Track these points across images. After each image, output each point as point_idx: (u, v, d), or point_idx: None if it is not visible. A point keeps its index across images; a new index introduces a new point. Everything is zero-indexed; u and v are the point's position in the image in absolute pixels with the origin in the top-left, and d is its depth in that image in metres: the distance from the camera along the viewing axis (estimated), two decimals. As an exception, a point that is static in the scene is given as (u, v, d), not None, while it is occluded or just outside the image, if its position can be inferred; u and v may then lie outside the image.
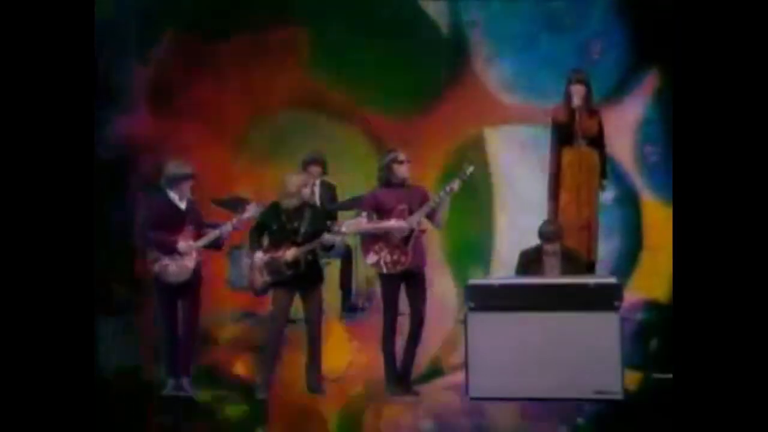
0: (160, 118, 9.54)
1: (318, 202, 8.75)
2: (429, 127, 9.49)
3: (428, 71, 9.58)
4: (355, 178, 9.07)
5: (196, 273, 7.78)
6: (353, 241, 8.49)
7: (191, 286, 7.80)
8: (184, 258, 7.65)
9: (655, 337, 7.37)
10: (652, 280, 8.61)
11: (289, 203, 7.55)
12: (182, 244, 7.65)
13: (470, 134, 9.51)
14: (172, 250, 7.64)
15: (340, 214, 8.84)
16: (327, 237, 7.43)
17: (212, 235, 7.74)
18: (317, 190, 8.90)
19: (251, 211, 7.70)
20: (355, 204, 8.31)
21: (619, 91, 8.93)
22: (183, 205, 7.78)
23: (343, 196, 9.07)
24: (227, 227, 7.77)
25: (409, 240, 7.35)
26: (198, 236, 7.78)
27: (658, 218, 8.85)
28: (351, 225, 7.39)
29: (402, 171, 7.44)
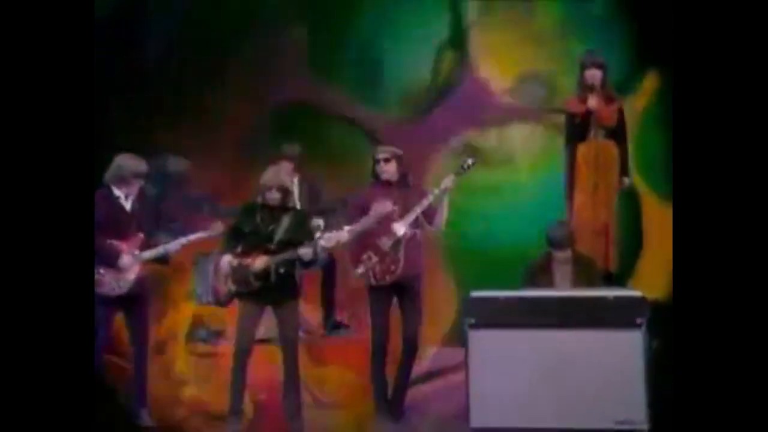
0: (160, 118, 9.49)
1: (298, 202, 8.36)
2: (429, 127, 9.51)
3: (428, 70, 9.64)
4: (354, 179, 8.82)
5: (140, 287, 7.23)
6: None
7: (136, 303, 7.25)
8: (124, 270, 7.13)
9: (656, 338, 6.99)
10: (652, 280, 8.34)
11: (271, 197, 7.07)
12: (124, 259, 7.10)
13: (470, 134, 9.52)
14: (112, 262, 7.10)
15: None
16: (304, 251, 6.95)
17: (158, 249, 7.26)
18: (295, 189, 8.51)
19: (213, 230, 7.34)
20: (341, 205, 8.02)
21: (619, 90, 8.66)
22: (128, 206, 7.23)
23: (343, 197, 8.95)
24: (175, 244, 7.30)
25: (399, 246, 7.02)
26: (146, 243, 7.26)
27: (658, 217, 8.73)
28: (331, 238, 7.00)
29: (387, 169, 7.16)
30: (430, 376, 7.90)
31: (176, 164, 9.47)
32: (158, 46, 9.62)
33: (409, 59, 9.52)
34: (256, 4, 9.66)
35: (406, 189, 7.15)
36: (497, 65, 9.44)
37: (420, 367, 7.56)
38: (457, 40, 9.58)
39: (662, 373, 6.68)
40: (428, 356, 8.03)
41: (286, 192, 7.12)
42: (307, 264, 7.12)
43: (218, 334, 8.52)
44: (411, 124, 9.45)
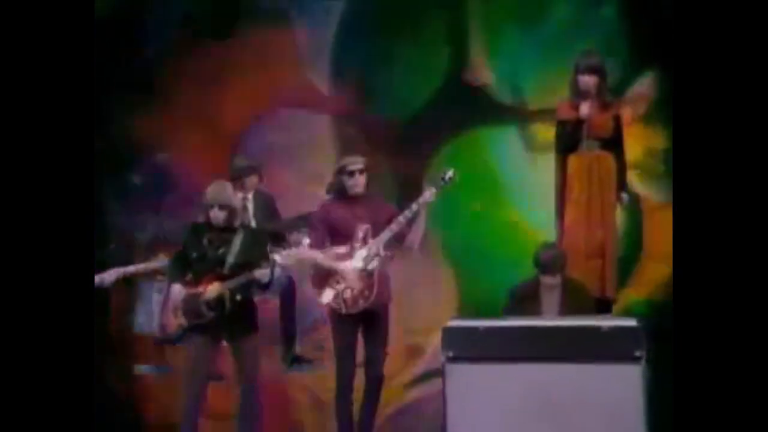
0: (161, 118, 9.42)
1: (253, 220, 7.98)
2: (427, 127, 9.33)
3: (427, 70, 9.50)
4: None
5: None
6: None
7: None
8: None
9: (655, 340, 6.78)
10: (652, 282, 8.33)
11: (214, 216, 6.70)
12: None
13: (469, 134, 9.30)
14: None
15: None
16: (260, 272, 6.57)
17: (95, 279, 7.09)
18: (250, 205, 8.06)
19: (155, 262, 7.21)
20: (301, 222, 7.57)
21: (618, 91, 8.48)
22: None
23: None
24: (111, 274, 7.20)
25: (372, 269, 6.68)
26: None
27: (657, 220, 8.53)
28: (290, 255, 6.68)
29: (360, 182, 6.77)
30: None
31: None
32: (158, 46, 9.52)
33: (408, 59, 9.35)
34: (256, 3, 9.57)
35: (378, 202, 6.84)
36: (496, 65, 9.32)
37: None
38: (457, 40, 9.44)
39: (663, 412, 6.29)
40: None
41: (231, 210, 6.72)
42: (264, 287, 6.72)
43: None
44: (410, 123, 9.23)
